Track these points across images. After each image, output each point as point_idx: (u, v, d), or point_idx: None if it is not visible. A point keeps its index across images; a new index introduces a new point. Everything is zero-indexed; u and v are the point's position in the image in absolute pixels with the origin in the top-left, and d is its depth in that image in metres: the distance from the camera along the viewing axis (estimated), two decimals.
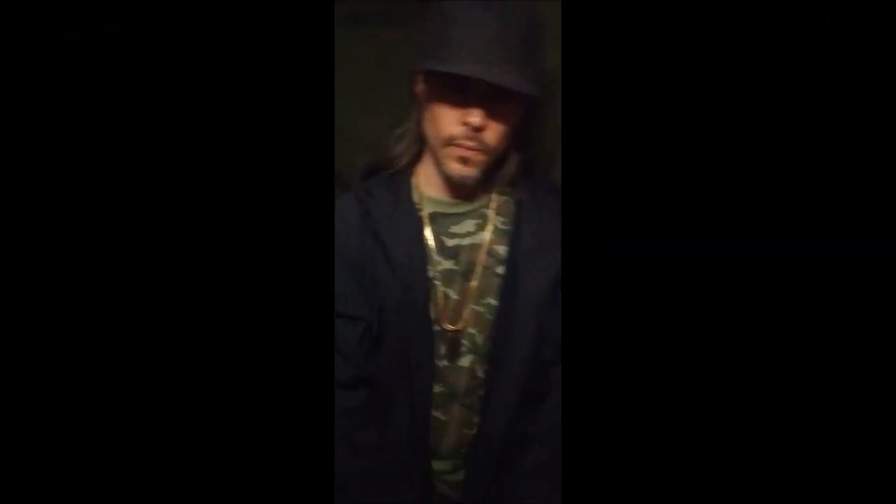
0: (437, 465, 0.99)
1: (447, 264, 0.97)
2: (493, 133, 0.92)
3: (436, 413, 0.97)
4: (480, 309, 0.96)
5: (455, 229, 0.99)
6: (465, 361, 0.96)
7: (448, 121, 0.91)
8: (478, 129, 0.90)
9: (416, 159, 1.00)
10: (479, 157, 0.93)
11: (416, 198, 0.99)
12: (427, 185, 1.00)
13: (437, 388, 0.96)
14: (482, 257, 0.97)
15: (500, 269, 0.97)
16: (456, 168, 0.93)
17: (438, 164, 0.96)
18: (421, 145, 0.98)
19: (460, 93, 0.89)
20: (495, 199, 1.00)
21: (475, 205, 1.00)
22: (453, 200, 1.00)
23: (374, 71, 1.30)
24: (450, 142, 0.92)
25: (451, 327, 0.96)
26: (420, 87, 0.94)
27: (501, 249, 0.98)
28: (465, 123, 0.90)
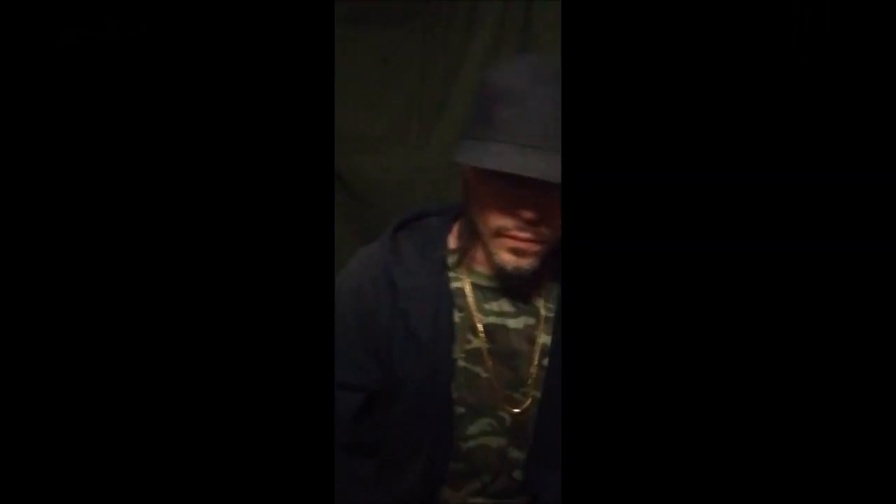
0: (474, 428, 0.90)
1: (477, 342, 0.88)
2: (550, 224, 0.81)
3: (476, 369, 0.88)
4: (528, 402, 0.88)
5: (490, 306, 0.89)
6: (519, 323, 0.89)
7: (499, 211, 0.81)
8: (532, 223, 0.81)
9: (465, 241, 0.90)
10: (534, 248, 0.83)
11: (452, 271, 0.90)
12: (476, 261, 0.90)
13: (455, 466, 0.90)
14: (520, 343, 0.89)
15: (545, 362, 0.89)
16: (509, 259, 0.83)
17: (490, 254, 0.85)
18: (471, 233, 0.88)
19: (511, 184, 0.78)
20: (543, 281, 0.90)
21: (527, 306, 0.90)
22: (494, 275, 0.90)
23: (374, 71, 1.30)
24: (501, 233, 0.82)
25: (509, 410, 0.88)
26: (467, 171, 0.84)
27: (543, 337, 0.89)
28: (518, 216, 0.80)
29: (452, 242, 0.90)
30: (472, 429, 0.89)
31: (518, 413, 0.88)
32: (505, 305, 0.89)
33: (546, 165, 0.74)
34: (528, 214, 0.79)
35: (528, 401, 0.88)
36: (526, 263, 0.82)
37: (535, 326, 0.89)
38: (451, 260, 0.89)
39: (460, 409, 0.88)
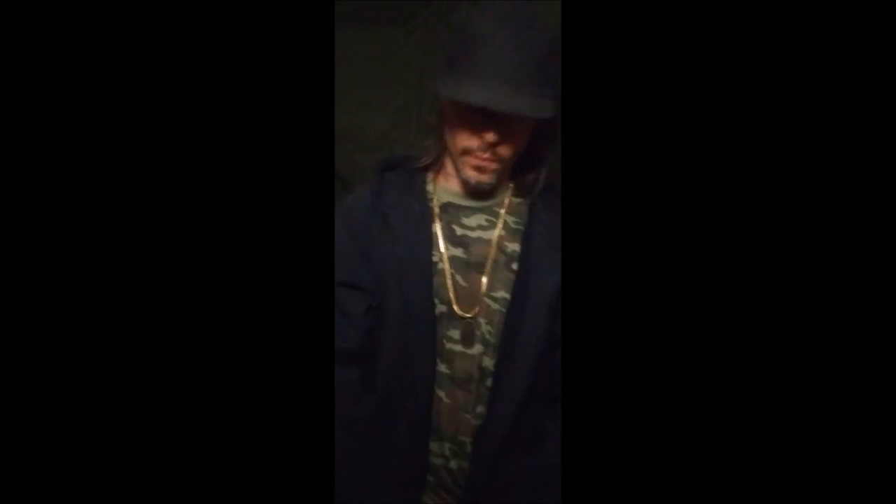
0: (434, 447, 1.01)
1: (455, 251, 1.02)
2: (508, 148, 0.98)
3: (439, 392, 0.99)
4: (491, 302, 1.00)
5: (466, 221, 1.04)
6: (475, 350, 0.99)
7: (465, 135, 0.98)
8: (493, 145, 0.97)
9: (436, 161, 1.06)
10: (493, 166, 1.00)
11: (430, 189, 1.05)
12: (444, 180, 1.06)
13: (441, 368, 1.00)
14: (493, 251, 1.02)
15: (514, 265, 1.01)
16: (472, 174, 1.00)
17: (456, 170, 1.02)
18: (442, 150, 1.05)
19: (477, 112, 0.94)
20: (508, 200, 1.06)
21: (488, 202, 1.05)
22: (467, 197, 1.05)
23: (374, 71, 1.30)
24: (466, 152, 0.99)
25: (465, 314, 0.99)
26: (444, 102, 1.00)
27: (512, 246, 1.03)
28: (480, 137, 0.96)
29: (430, 173, 1.06)
30: (453, 333, 1.00)
31: (492, 315, 1.00)
32: (479, 220, 1.03)
33: (511, 99, 0.91)
34: (490, 137, 0.95)
35: (500, 303, 1.00)
36: (486, 178, 1.00)
37: (505, 237, 1.03)
38: (429, 185, 1.06)
39: (441, 308, 1.00)
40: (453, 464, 1.00)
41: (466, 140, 0.97)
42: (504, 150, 0.98)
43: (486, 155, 0.97)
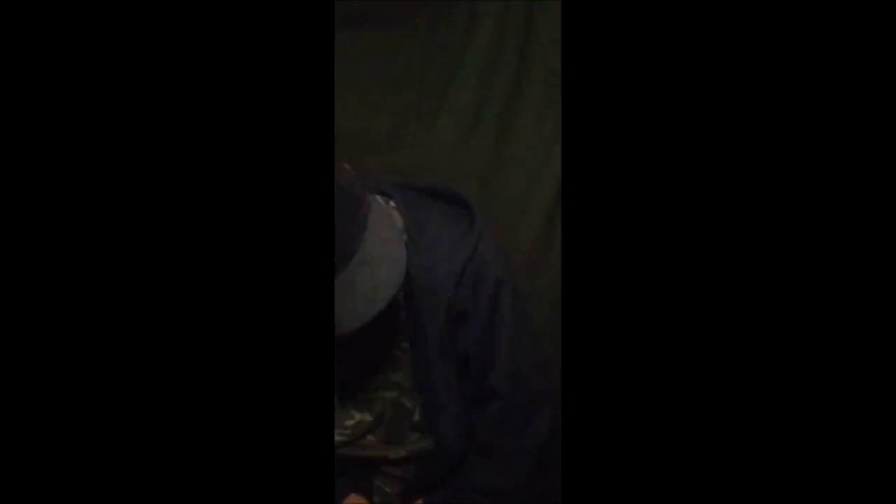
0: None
1: None
2: None
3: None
4: (394, 351, 1.04)
5: None
6: (385, 394, 1.05)
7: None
8: None
9: None
10: None
11: None
12: None
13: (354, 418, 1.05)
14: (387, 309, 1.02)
15: (403, 316, 1.02)
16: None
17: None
18: None
19: None
20: None
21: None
22: None
23: (374, 71, 1.30)
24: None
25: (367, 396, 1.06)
26: None
27: (400, 295, 1.00)
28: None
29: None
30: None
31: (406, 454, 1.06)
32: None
33: None
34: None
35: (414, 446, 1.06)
36: None
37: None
38: None
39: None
40: (387, 488, 1.07)
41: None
42: None
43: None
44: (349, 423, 1.05)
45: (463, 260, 0.99)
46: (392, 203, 1.03)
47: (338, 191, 0.85)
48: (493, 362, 1.02)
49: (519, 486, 1.03)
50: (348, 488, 1.07)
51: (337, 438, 1.04)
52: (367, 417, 1.05)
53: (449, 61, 1.28)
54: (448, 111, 1.28)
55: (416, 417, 1.05)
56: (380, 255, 0.90)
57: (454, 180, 1.24)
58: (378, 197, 1.01)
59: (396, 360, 1.04)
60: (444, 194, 1.09)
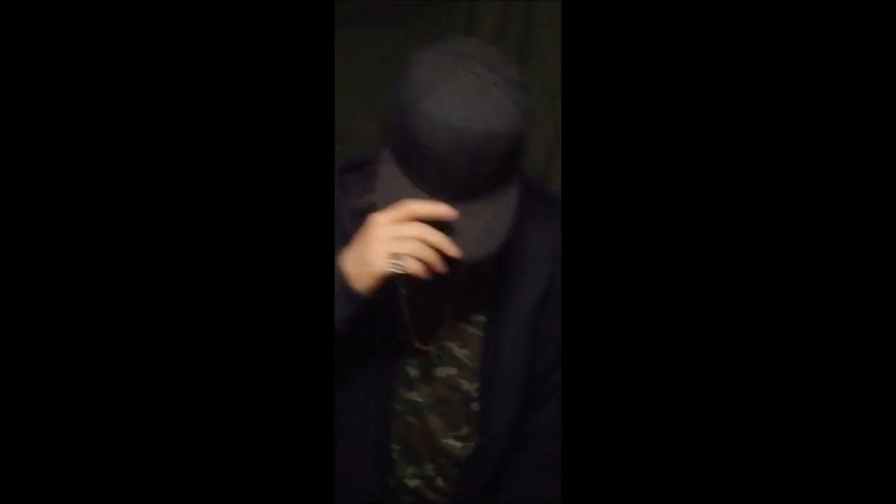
0: (413, 470, 0.99)
1: (411, 396, 0.96)
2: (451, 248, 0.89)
3: (410, 419, 0.96)
4: (465, 325, 0.95)
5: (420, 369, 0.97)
6: (442, 372, 0.95)
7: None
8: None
9: None
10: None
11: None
12: None
13: (408, 395, 0.96)
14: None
15: (487, 287, 0.94)
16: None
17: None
18: None
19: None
20: (461, 330, 0.96)
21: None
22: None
23: (375, 71, 1.30)
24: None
25: (422, 347, 0.94)
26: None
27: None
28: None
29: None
30: (410, 470, 0.98)
31: (460, 450, 0.98)
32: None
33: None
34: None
35: (475, 326, 0.95)
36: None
37: (456, 376, 0.96)
38: None
39: (396, 449, 0.97)
40: (440, 481, 0.98)
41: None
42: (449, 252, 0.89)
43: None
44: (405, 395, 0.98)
45: (560, 243, 0.91)
46: None
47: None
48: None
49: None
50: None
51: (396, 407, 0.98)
52: (418, 398, 0.97)
53: None
54: None
55: (475, 407, 0.97)
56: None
57: None
58: None
59: (465, 335, 0.95)
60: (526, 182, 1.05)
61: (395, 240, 0.78)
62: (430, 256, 0.78)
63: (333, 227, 0.88)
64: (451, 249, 0.78)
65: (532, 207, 0.94)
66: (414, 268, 0.78)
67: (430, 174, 0.78)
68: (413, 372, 0.95)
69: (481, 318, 0.94)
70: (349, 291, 0.81)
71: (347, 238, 0.88)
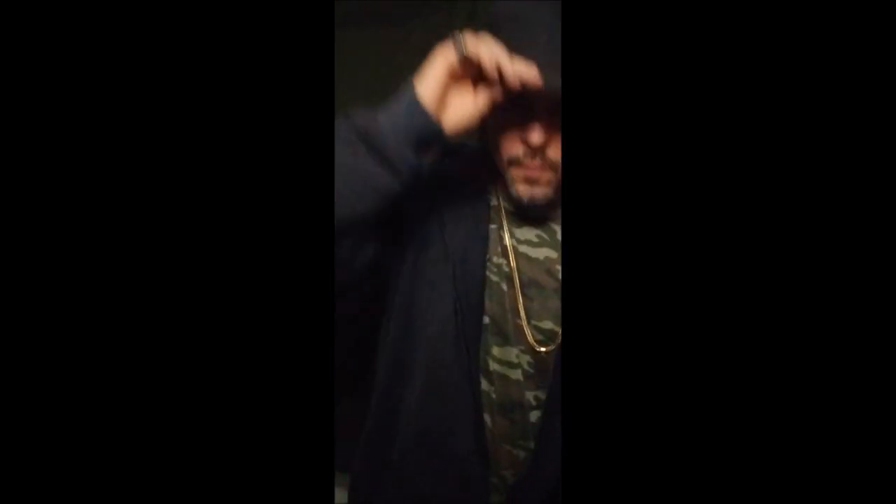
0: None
1: (502, 263, 0.91)
2: (556, 149, 0.84)
3: (484, 416, 0.90)
4: (535, 332, 0.90)
5: (517, 232, 0.92)
6: (516, 375, 0.90)
7: (509, 141, 0.85)
8: (541, 148, 0.84)
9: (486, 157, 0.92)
10: (546, 176, 0.86)
11: (491, 189, 0.93)
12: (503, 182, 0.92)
13: (484, 388, 0.90)
14: (540, 275, 0.91)
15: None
16: (524, 190, 0.87)
17: (509, 189, 0.89)
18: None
19: (518, 106, 0.83)
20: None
21: (545, 216, 0.92)
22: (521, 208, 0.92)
23: (375, 71, 1.30)
24: (513, 163, 0.86)
25: (541, 349, 0.89)
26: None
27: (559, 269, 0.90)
28: (526, 143, 0.84)
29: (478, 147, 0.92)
30: (497, 351, 0.90)
31: (542, 353, 0.90)
32: (529, 234, 0.91)
33: (559, 80, 0.76)
34: (535, 139, 0.82)
35: (550, 343, 0.89)
36: (540, 192, 0.86)
37: (556, 260, 0.90)
38: (488, 182, 0.93)
39: (486, 319, 0.89)
40: (494, 497, 0.91)
41: (510, 146, 0.85)
42: (553, 153, 0.84)
43: (536, 162, 0.84)
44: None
45: None
46: None
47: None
48: None
49: None
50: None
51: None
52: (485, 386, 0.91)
53: None
54: None
55: (533, 419, 0.90)
56: None
57: None
58: None
59: (518, 329, 0.90)
60: None
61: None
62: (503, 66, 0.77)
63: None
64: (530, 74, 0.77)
65: None
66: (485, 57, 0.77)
67: None
68: (493, 365, 0.90)
69: (554, 327, 0.89)
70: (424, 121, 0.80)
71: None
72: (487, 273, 0.90)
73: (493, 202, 0.93)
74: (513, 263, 0.90)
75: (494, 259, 0.91)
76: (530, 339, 0.90)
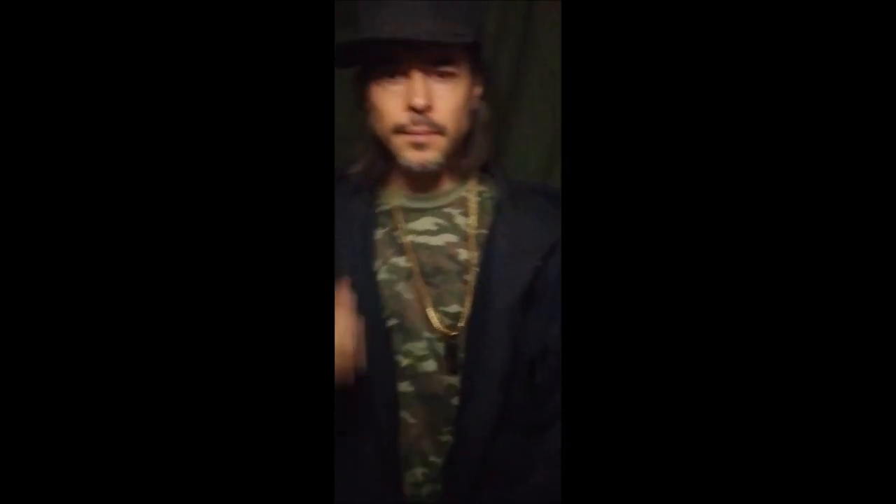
0: (406, 476, 0.93)
1: (399, 261, 0.92)
2: (444, 111, 0.87)
3: (403, 413, 0.92)
4: (442, 317, 0.92)
5: (413, 226, 0.94)
6: (430, 366, 0.92)
7: (391, 109, 0.87)
8: (424, 111, 0.85)
9: (373, 165, 0.94)
10: (434, 140, 0.87)
11: (381, 196, 0.96)
12: (395, 183, 0.95)
13: (402, 387, 0.92)
14: (442, 260, 0.93)
15: (466, 276, 0.92)
16: (413, 155, 0.88)
17: (395, 158, 0.90)
18: (380, 148, 0.92)
19: (396, 73, 0.85)
20: (465, 198, 0.95)
21: (440, 202, 0.95)
22: (418, 195, 0.95)
23: None
24: (398, 130, 0.87)
25: (452, 334, 0.90)
26: (360, 83, 0.90)
27: (465, 254, 0.93)
28: (410, 108, 0.85)
29: (360, 165, 0.94)
30: (408, 347, 0.92)
31: (452, 337, 0.91)
32: (426, 223, 0.93)
33: (429, 28, 0.80)
34: (419, 101, 0.84)
35: (452, 318, 0.91)
36: (431, 156, 0.87)
37: (457, 244, 0.93)
38: (380, 194, 0.95)
39: (392, 322, 0.91)
40: (426, 488, 0.92)
41: (393, 114, 0.86)
42: (440, 116, 0.86)
43: (421, 127, 0.86)
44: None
45: (555, 237, 0.90)
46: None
47: None
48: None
49: None
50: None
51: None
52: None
53: None
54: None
55: (454, 402, 0.92)
56: None
57: None
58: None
59: (427, 319, 0.92)
60: (526, 181, 1.04)
61: None
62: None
63: (333, 227, 0.88)
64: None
65: (523, 200, 0.95)
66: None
67: None
68: (406, 361, 0.91)
69: (458, 308, 0.91)
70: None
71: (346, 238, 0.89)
72: (384, 276, 0.92)
73: (384, 207, 0.95)
74: (413, 257, 0.92)
75: (392, 260, 0.92)
76: (439, 325, 0.91)
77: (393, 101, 0.86)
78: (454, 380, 0.91)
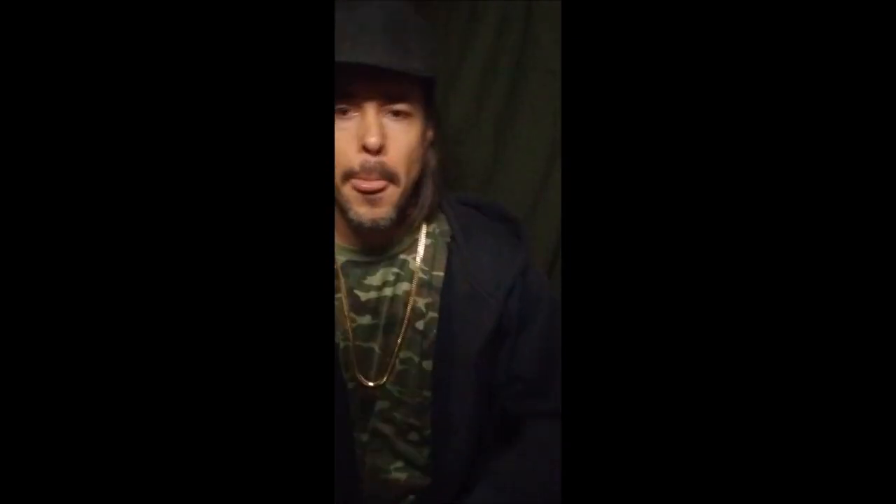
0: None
1: (363, 320, 0.90)
2: (396, 156, 0.81)
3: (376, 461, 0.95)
4: (398, 364, 0.91)
5: (370, 280, 0.90)
6: (381, 406, 0.93)
7: (342, 150, 0.81)
8: (377, 152, 0.80)
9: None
10: (386, 193, 0.82)
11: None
12: (339, 237, 0.90)
13: (363, 437, 0.94)
14: (403, 310, 0.90)
15: (419, 324, 0.90)
16: (365, 211, 0.82)
17: (345, 211, 0.84)
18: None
19: (349, 108, 0.80)
20: (418, 242, 0.91)
21: (393, 250, 0.91)
22: (366, 250, 0.90)
23: None
24: (348, 176, 0.81)
25: (368, 383, 0.91)
26: None
27: (421, 302, 0.90)
28: (363, 147, 0.79)
29: None
30: (379, 405, 0.92)
31: (374, 384, 0.91)
32: (386, 275, 0.90)
33: (389, 56, 0.76)
34: (371, 140, 0.78)
35: (407, 364, 0.91)
36: (383, 212, 0.82)
37: (413, 292, 0.90)
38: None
39: (350, 385, 0.90)
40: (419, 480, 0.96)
41: (344, 158, 0.80)
42: (392, 161, 0.81)
43: (373, 175, 0.80)
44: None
45: (514, 272, 0.89)
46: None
47: None
48: (548, 391, 0.92)
49: None
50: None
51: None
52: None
53: (449, 61, 1.28)
54: (447, 111, 1.28)
55: (414, 437, 0.95)
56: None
57: (455, 179, 1.24)
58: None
59: (404, 374, 0.92)
60: (481, 205, 0.99)
61: None
62: None
63: (333, 225, 0.88)
64: None
65: (479, 232, 0.92)
66: None
67: None
68: (372, 420, 0.93)
69: (414, 357, 0.91)
70: None
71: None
72: (343, 343, 0.90)
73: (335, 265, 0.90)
74: (372, 319, 0.90)
75: (352, 321, 0.90)
76: (388, 372, 0.91)
77: (344, 141, 0.80)
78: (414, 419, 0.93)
